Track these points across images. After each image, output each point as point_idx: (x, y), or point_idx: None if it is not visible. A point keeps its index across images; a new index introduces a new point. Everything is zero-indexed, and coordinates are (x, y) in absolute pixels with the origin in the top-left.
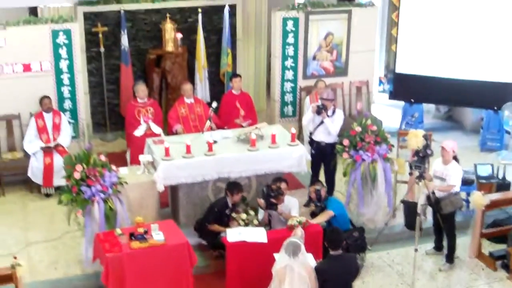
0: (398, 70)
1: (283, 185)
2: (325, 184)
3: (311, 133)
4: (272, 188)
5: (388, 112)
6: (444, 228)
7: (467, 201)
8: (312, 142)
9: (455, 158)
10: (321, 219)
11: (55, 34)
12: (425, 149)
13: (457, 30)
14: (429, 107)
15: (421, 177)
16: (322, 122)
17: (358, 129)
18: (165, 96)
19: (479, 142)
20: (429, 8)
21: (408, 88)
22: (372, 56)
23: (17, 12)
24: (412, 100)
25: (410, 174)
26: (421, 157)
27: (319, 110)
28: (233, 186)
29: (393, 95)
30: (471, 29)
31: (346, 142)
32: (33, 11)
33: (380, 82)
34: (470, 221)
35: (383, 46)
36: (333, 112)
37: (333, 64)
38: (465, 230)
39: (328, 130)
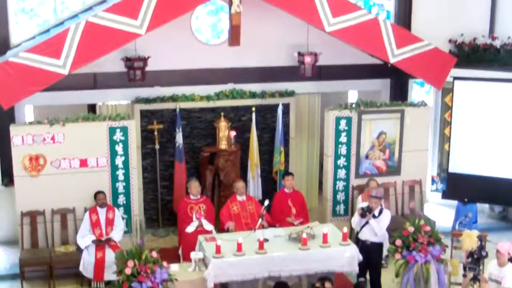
0: (451, 169)
1: (327, 285)
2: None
3: (357, 232)
4: (317, 287)
5: (441, 211)
6: None
7: None
8: (357, 241)
9: (511, 260)
10: None
11: (112, 131)
12: (480, 251)
13: (510, 130)
14: (483, 207)
15: (475, 279)
16: (367, 222)
17: (411, 229)
18: (217, 193)
19: None
20: (482, 108)
21: (461, 188)
22: (425, 155)
23: (76, 109)
24: (466, 200)
25: (464, 276)
26: (476, 258)
27: (364, 213)
28: (281, 286)
29: (446, 195)
30: None
31: (398, 242)
32: (92, 108)
33: (433, 181)
34: None
35: (436, 145)
36: (380, 212)
37: (386, 163)
38: None
39: (374, 231)
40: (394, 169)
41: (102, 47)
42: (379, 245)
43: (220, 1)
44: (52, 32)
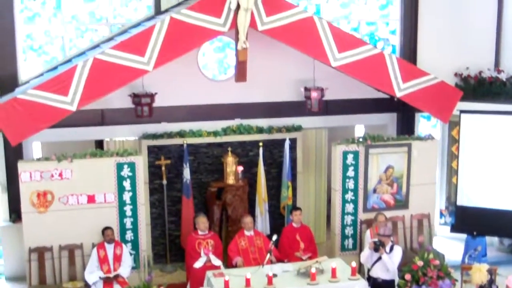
0: (460, 202)
1: None
2: None
3: (369, 269)
4: None
5: (450, 245)
6: None
7: None
8: (369, 278)
9: None
10: None
11: (119, 166)
12: (490, 284)
13: None
14: (492, 240)
15: None
16: (379, 258)
17: (420, 263)
18: (225, 229)
19: None
20: (489, 140)
21: (470, 221)
22: (433, 189)
23: (84, 145)
24: (475, 233)
25: None
26: None
27: (377, 247)
28: None
29: (455, 228)
30: None
31: (408, 276)
32: (99, 144)
33: (442, 214)
34: None
35: (444, 178)
36: (391, 248)
37: (394, 197)
38: None
39: (386, 267)
40: (402, 203)
41: (109, 84)
42: (391, 282)
43: (227, 38)
44: (60, 69)
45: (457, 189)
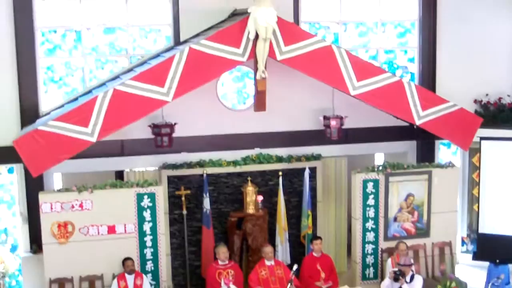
0: (481, 230)
1: None
2: None
3: None
4: None
5: (472, 273)
6: None
7: None
8: None
9: None
10: None
11: (140, 197)
12: None
13: None
14: None
15: None
16: None
17: None
18: (245, 258)
19: None
20: (510, 167)
21: (492, 249)
22: (454, 217)
23: (104, 176)
24: (497, 261)
25: None
26: None
27: (397, 277)
28: None
29: (477, 256)
30: None
31: None
32: (119, 174)
33: (463, 242)
34: None
35: (465, 206)
36: (412, 277)
37: (415, 225)
38: None
39: None
40: (423, 231)
41: (129, 114)
42: None
43: (246, 67)
44: (81, 100)
45: (478, 216)
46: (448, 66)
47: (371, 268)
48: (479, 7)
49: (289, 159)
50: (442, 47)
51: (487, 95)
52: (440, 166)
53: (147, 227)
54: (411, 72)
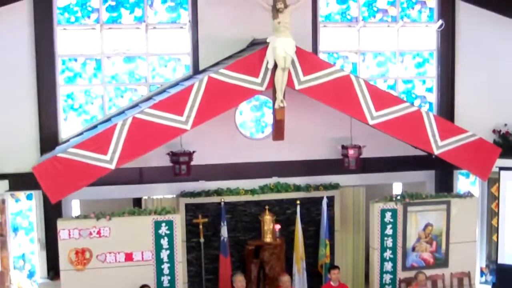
0: (501, 260)
1: None
2: None
3: None
4: None
5: None
6: None
7: None
8: None
9: None
10: None
11: (157, 225)
12: None
13: None
14: None
15: None
16: None
17: None
18: (263, 287)
19: None
20: None
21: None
22: (473, 247)
23: (122, 203)
24: None
25: None
26: None
27: None
28: None
29: (497, 287)
30: None
31: None
32: (137, 202)
33: (482, 273)
34: None
35: (484, 236)
36: None
37: (433, 255)
38: None
39: None
40: (442, 261)
41: (148, 143)
42: None
43: (264, 96)
44: (100, 128)
45: (497, 247)
46: (466, 95)
47: None
48: (497, 36)
49: (307, 188)
50: (460, 76)
51: (505, 125)
52: (459, 196)
53: (164, 254)
54: (429, 102)
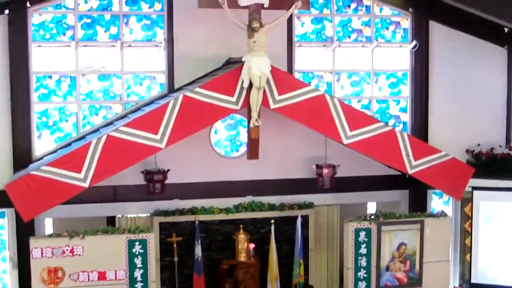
0: (474, 280)
1: None
2: None
3: None
4: None
5: None
6: None
7: None
8: None
9: None
10: None
11: (131, 243)
12: None
13: None
14: None
15: None
16: None
17: None
18: None
19: None
20: (502, 217)
21: None
22: (446, 266)
23: (95, 221)
24: None
25: None
26: None
27: None
28: None
29: None
30: None
31: None
32: (111, 220)
33: None
34: None
35: (457, 255)
36: None
37: (407, 274)
38: None
39: None
40: (416, 281)
41: (122, 161)
42: None
43: (239, 115)
44: (74, 146)
45: (471, 266)
46: (440, 116)
47: None
48: (471, 57)
49: (282, 207)
50: (434, 97)
51: (479, 145)
52: (433, 215)
53: (138, 273)
54: (403, 122)
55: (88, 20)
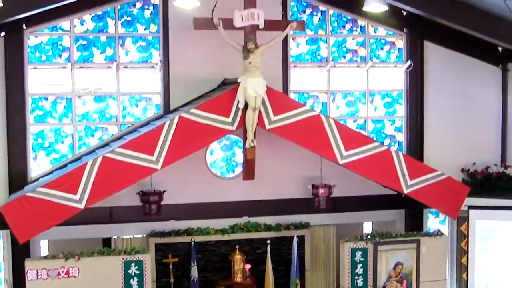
0: None
1: None
2: None
3: None
4: None
5: None
6: None
7: None
8: None
9: None
10: None
11: (127, 265)
12: None
13: None
14: None
15: None
16: None
17: None
18: None
19: None
20: (498, 235)
21: None
22: (443, 285)
23: (91, 243)
24: None
25: None
26: None
27: None
28: None
29: None
30: None
31: None
32: (107, 241)
33: None
34: None
35: (454, 274)
36: None
37: None
38: None
39: None
40: None
41: (118, 182)
42: None
43: (235, 136)
44: (69, 167)
45: (467, 285)
46: (435, 135)
47: None
48: (466, 77)
49: (278, 227)
50: (429, 116)
51: (474, 164)
52: (429, 234)
53: None
54: (399, 141)
55: (84, 42)
